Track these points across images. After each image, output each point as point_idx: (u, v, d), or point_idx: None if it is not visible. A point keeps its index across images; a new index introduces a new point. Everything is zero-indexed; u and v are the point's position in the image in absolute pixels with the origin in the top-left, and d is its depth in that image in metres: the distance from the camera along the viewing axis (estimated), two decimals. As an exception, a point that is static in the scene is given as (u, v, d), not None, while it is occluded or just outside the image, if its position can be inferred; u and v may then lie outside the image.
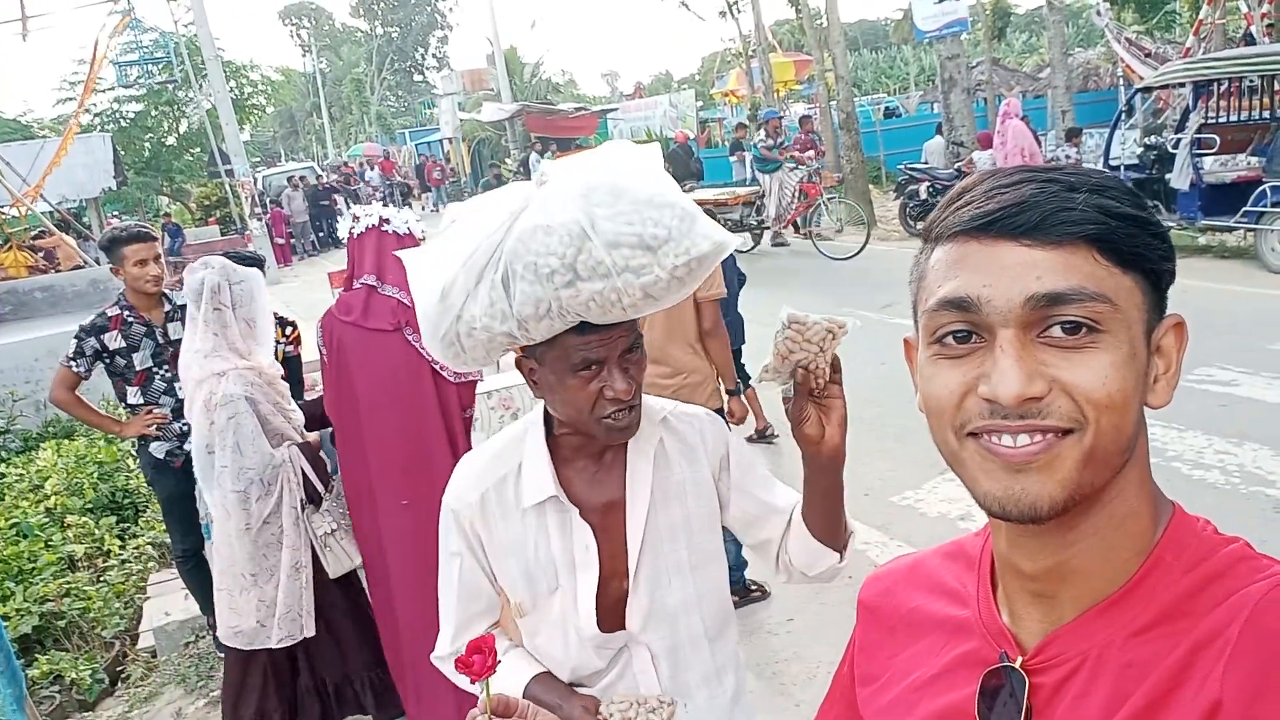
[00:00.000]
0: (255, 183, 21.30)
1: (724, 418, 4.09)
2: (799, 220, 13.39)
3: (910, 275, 0.80)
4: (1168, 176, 9.90)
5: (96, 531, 5.67)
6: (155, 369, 4.12)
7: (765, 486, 1.62)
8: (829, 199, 13.12)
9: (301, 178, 23.78)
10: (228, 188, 20.91)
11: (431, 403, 2.94)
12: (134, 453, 4.60)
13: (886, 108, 26.11)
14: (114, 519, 5.91)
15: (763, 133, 14.05)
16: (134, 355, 4.06)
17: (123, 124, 24.57)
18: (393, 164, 31.17)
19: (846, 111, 15.76)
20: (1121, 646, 0.71)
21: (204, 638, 4.51)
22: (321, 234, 23.06)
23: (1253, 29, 15.10)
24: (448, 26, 60.02)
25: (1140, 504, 0.74)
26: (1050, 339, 0.68)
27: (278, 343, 4.65)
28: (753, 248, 14.05)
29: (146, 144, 25.24)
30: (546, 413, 1.53)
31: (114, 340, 4.04)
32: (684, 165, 16.39)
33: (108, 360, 4.05)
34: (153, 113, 24.93)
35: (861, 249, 12.17)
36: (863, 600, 0.99)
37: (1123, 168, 10.74)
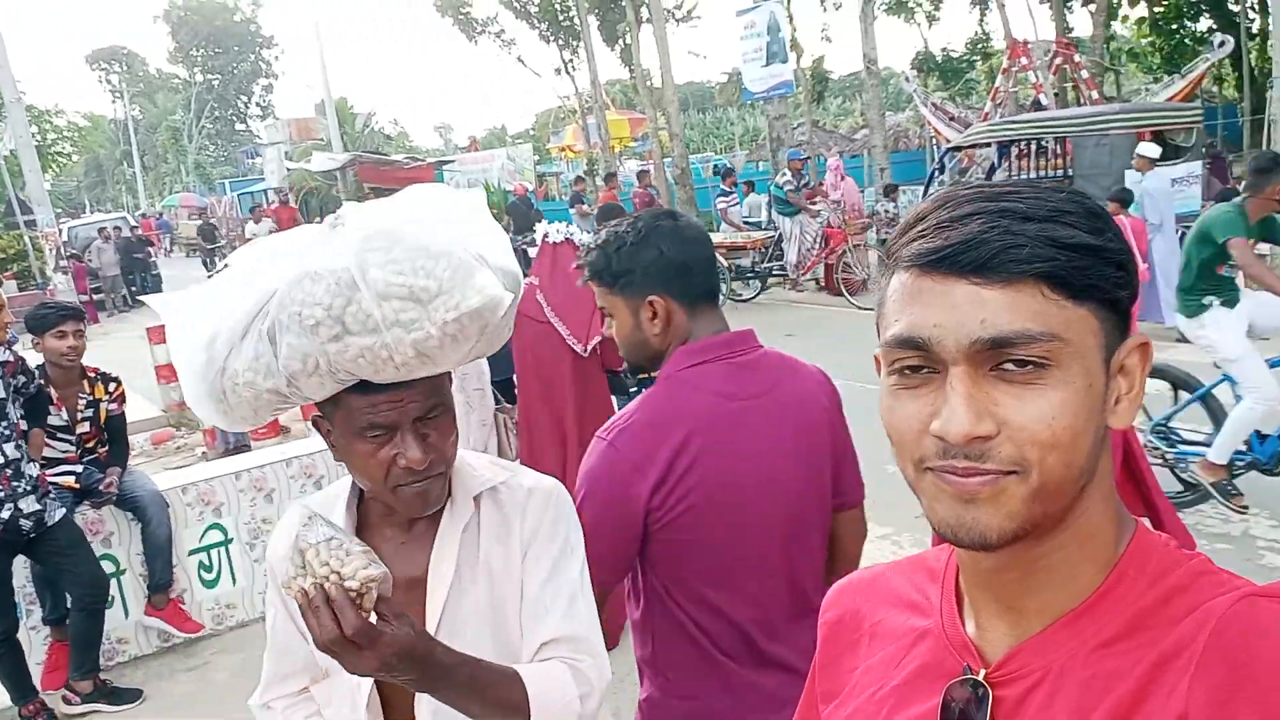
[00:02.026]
0: (60, 234, 19.79)
1: None
2: (818, 268, 12.71)
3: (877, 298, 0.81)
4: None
5: None
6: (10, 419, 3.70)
7: (552, 587, 1.36)
8: (854, 245, 12.14)
9: (116, 228, 22.23)
10: (27, 240, 19.33)
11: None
12: None
13: (715, 165, 27.14)
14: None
15: (787, 173, 13.08)
16: None
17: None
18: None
19: (681, 167, 16.27)
20: (1085, 659, 0.72)
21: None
22: (134, 288, 21.58)
23: (1041, 97, 16.69)
24: (272, 75, 58.11)
25: (1103, 521, 0.75)
26: (1002, 374, 0.69)
27: (99, 400, 4.31)
28: (758, 294, 13.18)
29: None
30: None
31: None
32: (524, 217, 16.40)
33: None
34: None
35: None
36: (823, 618, 0.98)
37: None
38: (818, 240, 12.47)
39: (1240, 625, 0.66)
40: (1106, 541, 0.75)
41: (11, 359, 3.82)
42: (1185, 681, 0.66)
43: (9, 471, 3.71)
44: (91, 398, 4.31)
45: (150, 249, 22.76)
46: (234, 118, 57.83)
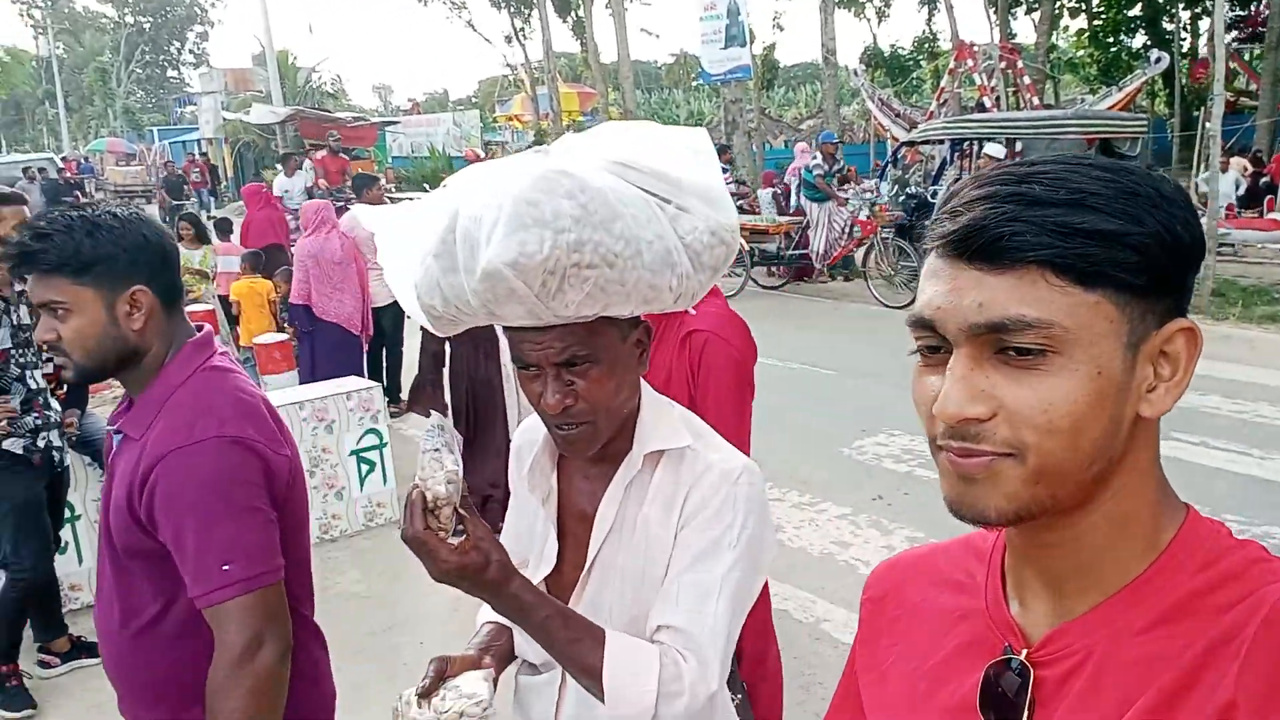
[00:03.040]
0: (-19, 171, 18.92)
1: None
2: (843, 260, 12.12)
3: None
4: (927, 223, 10.94)
5: None
6: (13, 351, 3.57)
7: (690, 579, 1.30)
8: (884, 237, 11.37)
9: (41, 169, 21.34)
10: (-57, 175, 18.46)
11: None
12: None
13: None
14: None
15: (818, 156, 12.37)
16: None
17: None
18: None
19: (633, 145, 16.26)
20: (1130, 643, 0.72)
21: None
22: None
23: (985, 99, 17.12)
24: (208, 22, 56.17)
25: (1140, 505, 0.74)
26: (1005, 358, 0.69)
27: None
28: (784, 284, 12.39)
29: None
30: None
31: None
32: (473, 184, 16.28)
33: None
34: None
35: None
36: (867, 594, 0.98)
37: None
38: (847, 230, 11.82)
39: None
40: (1148, 526, 0.74)
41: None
42: (1234, 670, 0.65)
43: (40, 400, 3.66)
44: (53, 339, 4.18)
45: (78, 192, 21.88)
46: (166, 63, 55.66)
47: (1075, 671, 0.73)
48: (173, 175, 23.82)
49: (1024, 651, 0.77)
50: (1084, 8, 24.31)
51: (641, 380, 1.39)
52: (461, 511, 1.20)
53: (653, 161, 1.25)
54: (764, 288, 12.18)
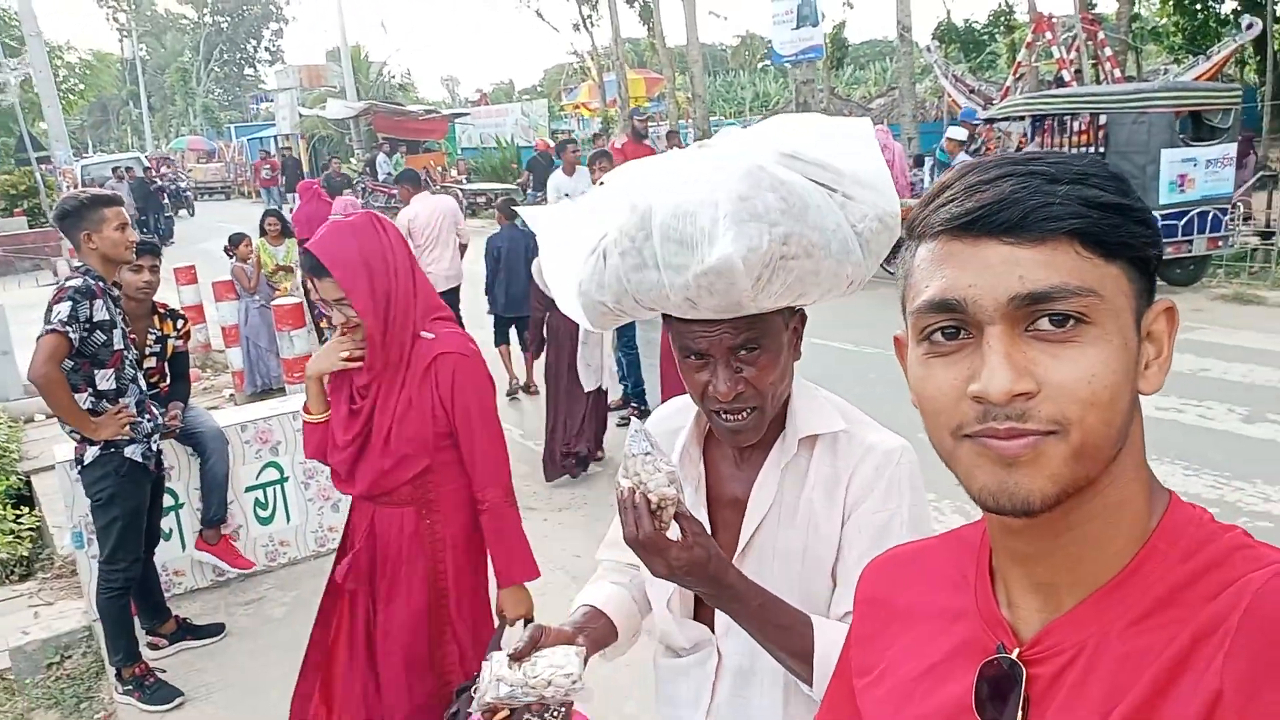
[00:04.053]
0: (76, 172, 19.69)
1: None
2: None
3: (895, 272, 0.81)
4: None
5: (-78, 545, 5.10)
6: (126, 352, 3.70)
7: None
8: None
9: (128, 169, 22.12)
10: (39, 176, 19.23)
11: None
12: (79, 462, 3.65)
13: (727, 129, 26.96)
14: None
15: (963, 132, 11.95)
16: (114, 332, 3.58)
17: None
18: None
19: (702, 130, 16.19)
20: (1119, 636, 0.71)
21: (70, 658, 4.14)
22: (147, 230, 21.53)
23: (1064, 73, 16.60)
24: (283, 20, 57.59)
25: (1134, 491, 0.74)
26: (1038, 332, 0.69)
27: (167, 337, 4.36)
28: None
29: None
30: None
31: (99, 310, 3.51)
32: (545, 172, 16.42)
33: (85, 333, 3.49)
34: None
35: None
36: (861, 594, 0.97)
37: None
38: None
39: (1276, 601, 0.65)
40: (1138, 513, 0.74)
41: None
42: (1220, 658, 0.65)
43: (149, 401, 3.82)
44: (160, 333, 4.33)
45: (164, 190, 22.64)
46: (243, 62, 57.29)
47: (1067, 668, 0.73)
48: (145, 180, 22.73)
49: (1016, 650, 0.76)
50: (1168, -26, 23.37)
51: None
52: (681, 509, 1.23)
53: (817, 152, 1.27)
54: (888, 273, 11.96)
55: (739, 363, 1.30)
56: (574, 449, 5.89)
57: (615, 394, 6.68)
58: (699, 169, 1.25)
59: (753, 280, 1.20)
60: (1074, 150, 11.17)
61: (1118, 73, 16.46)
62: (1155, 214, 9.09)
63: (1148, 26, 26.97)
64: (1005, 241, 0.69)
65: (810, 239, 1.21)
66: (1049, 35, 16.63)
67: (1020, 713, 0.75)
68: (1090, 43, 16.83)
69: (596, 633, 1.47)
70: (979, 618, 0.81)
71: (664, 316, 1.34)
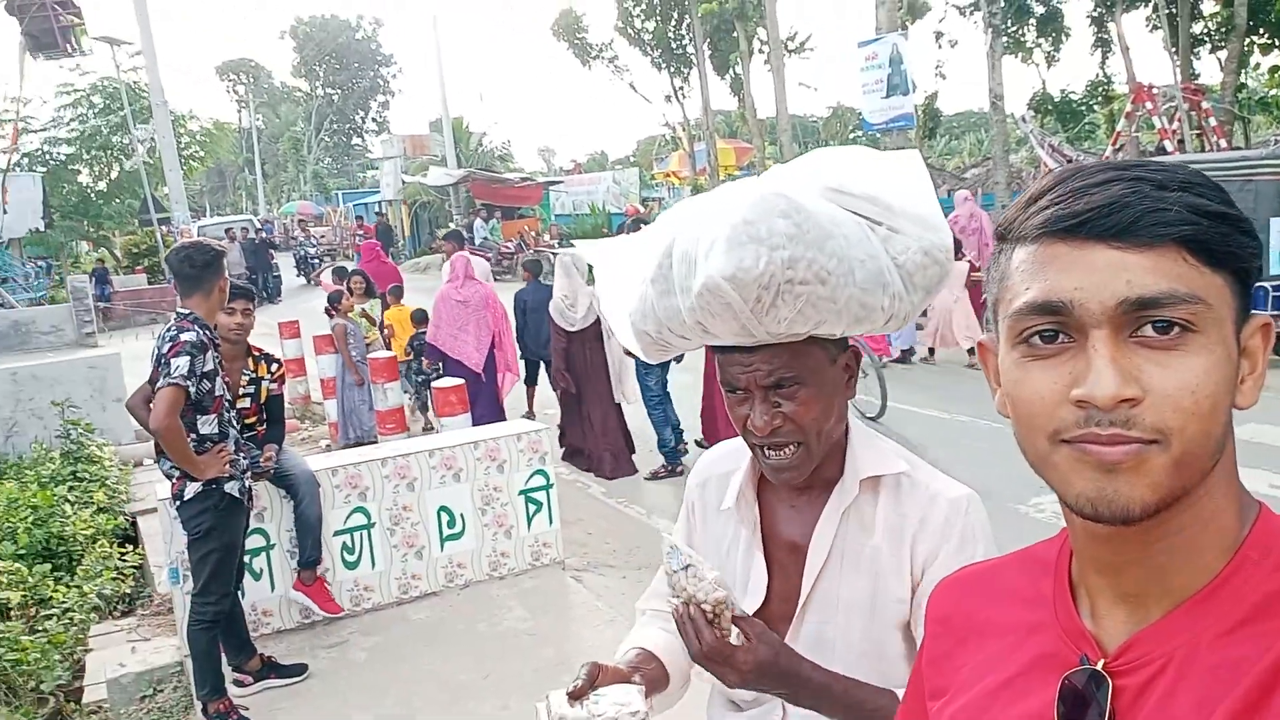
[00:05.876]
0: (192, 233, 20.84)
1: None
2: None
3: (987, 278, 0.79)
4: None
5: (30, 579, 5.35)
6: (225, 397, 3.93)
7: None
8: None
9: (243, 229, 23.38)
10: (159, 236, 20.39)
11: None
12: (179, 498, 3.81)
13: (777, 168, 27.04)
14: (48, 566, 5.58)
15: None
16: (217, 380, 3.82)
17: (51, 165, 23.87)
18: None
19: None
20: (1209, 646, 0.69)
21: (162, 691, 4.27)
22: (256, 288, 22.56)
23: (1166, 143, 16.21)
24: (389, 92, 60.35)
25: (1226, 502, 0.73)
26: (1143, 339, 0.68)
27: (261, 379, 4.54)
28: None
29: (75, 188, 24.50)
30: None
31: (209, 361, 3.75)
32: (633, 238, 16.75)
33: (197, 383, 3.71)
34: (84, 156, 24.25)
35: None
36: (931, 613, 0.95)
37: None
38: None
39: None
40: (1229, 524, 0.73)
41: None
42: None
43: (243, 441, 4.01)
44: (254, 375, 4.51)
45: (273, 251, 23.75)
46: (351, 131, 60.15)
47: (1155, 679, 0.71)
48: (384, 224, 24.95)
49: (1100, 661, 0.74)
50: (1275, 44, 22.75)
51: (850, 407, 1.39)
52: (735, 610, 1.22)
53: (865, 186, 1.28)
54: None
55: (778, 397, 1.28)
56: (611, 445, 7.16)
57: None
58: (722, 198, 1.29)
59: (750, 302, 1.19)
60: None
61: (1223, 143, 16.02)
62: (1265, 284, 8.86)
63: (1255, 96, 26.23)
64: (1113, 246, 0.68)
65: (825, 266, 1.20)
66: (1149, 105, 16.30)
67: None
68: (1194, 113, 16.45)
69: (650, 674, 1.44)
70: (1058, 630, 0.79)
71: (710, 350, 1.36)
